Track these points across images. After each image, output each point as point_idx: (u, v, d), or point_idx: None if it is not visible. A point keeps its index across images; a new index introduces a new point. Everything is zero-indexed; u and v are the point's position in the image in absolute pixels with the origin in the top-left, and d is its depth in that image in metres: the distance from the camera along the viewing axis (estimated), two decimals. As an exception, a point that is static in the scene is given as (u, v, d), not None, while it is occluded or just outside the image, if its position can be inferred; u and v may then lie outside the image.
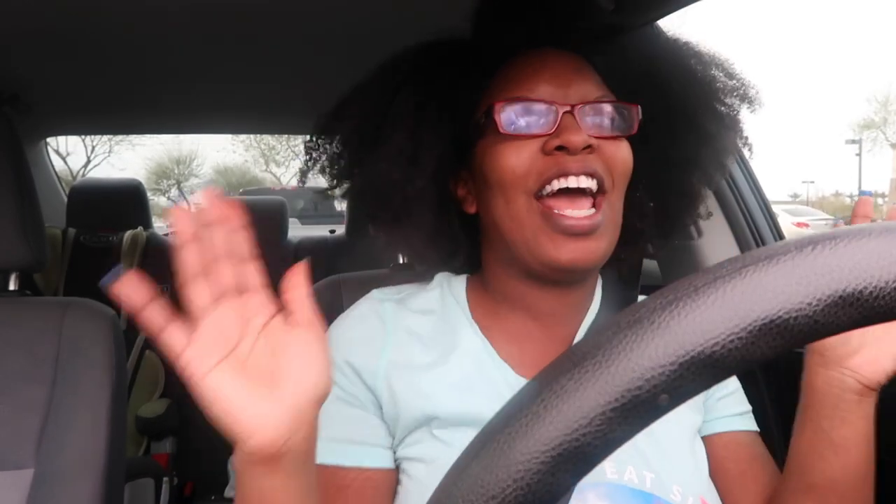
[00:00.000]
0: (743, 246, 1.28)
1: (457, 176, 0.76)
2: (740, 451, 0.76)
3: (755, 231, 1.29)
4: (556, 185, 0.65)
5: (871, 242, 0.25)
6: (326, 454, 0.65)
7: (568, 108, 0.67)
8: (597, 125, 0.68)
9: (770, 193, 0.86)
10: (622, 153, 0.69)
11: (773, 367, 1.20)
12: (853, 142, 32.33)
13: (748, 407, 0.80)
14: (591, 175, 0.65)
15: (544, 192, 0.66)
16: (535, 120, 0.67)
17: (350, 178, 0.80)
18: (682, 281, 0.27)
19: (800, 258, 0.25)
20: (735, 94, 0.79)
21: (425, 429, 0.69)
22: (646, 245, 0.83)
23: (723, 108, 0.78)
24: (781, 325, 0.24)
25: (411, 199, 0.73)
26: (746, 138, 0.82)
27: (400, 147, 0.72)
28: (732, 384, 0.80)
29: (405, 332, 0.73)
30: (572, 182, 0.65)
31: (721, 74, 0.79)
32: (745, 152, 0.88)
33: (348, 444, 0.69)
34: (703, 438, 0.76)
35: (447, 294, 0.78)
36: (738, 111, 0.79)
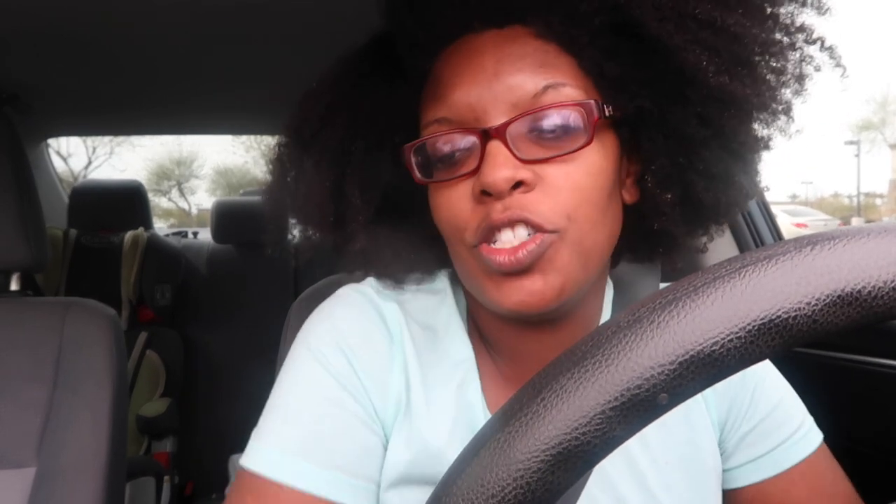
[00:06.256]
0: (742, 246, 1.28)
1: None
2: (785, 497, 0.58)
3: (754, 231, 1.29)
4: (492, 239, 0.50)
5: (869, 242, 0.25)
6: (300, 475, 0.50)
7: (484, 130, 0.49)
8: (535, 142, 0.49)
9: (769, 194, 0.76)
10: (575, 178, 0.49)
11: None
12: (852, 143, 32.29)
13: (794, 424, 0.59)
14: (523, 223, 0.48)
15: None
16: (454, 156, 0.50)
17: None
18: (681, 281, 0.27)
19: (799, 258, 0.25)
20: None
21: (400, 488, 0.54)
22: (679, 250, 0.60)
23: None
24: (780, 324, 0.24)
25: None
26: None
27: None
28: (774, 397, 0.60)
29: (411, 349, 0.57)
30: (506, 237, 0.49)
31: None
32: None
33: (335, 471, 0.51)
34: (727, 493, 0.60)
35: (449, 305, 0.61)
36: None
